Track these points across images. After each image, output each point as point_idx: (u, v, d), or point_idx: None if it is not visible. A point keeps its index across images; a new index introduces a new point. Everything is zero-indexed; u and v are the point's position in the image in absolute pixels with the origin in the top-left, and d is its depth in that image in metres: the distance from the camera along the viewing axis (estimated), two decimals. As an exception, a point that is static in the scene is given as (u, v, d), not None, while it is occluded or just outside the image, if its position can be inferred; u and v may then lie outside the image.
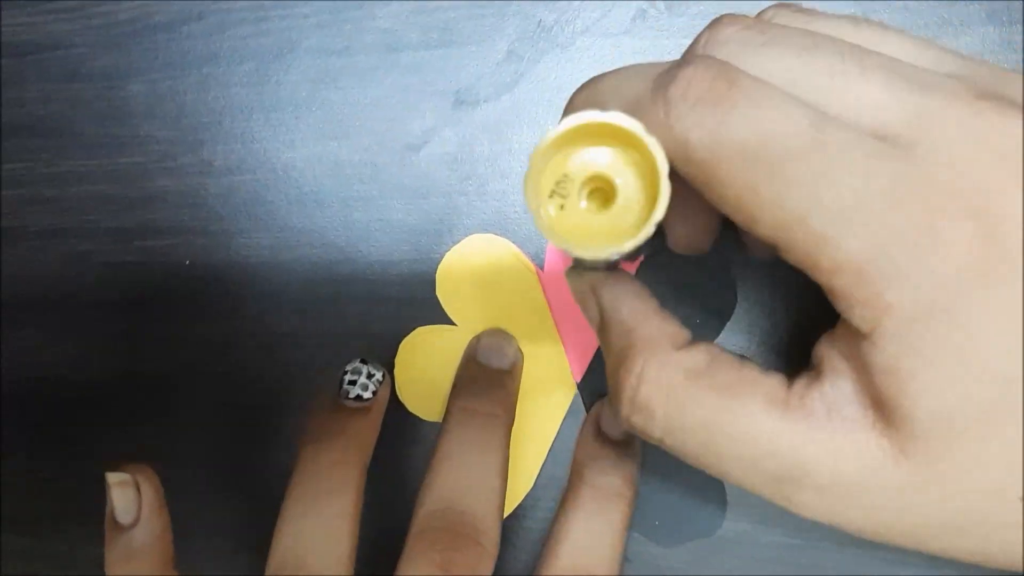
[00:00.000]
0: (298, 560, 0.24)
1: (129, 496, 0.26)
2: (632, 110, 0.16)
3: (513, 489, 0.26)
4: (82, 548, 0.33)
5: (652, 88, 0.16)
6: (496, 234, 0.28)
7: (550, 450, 0.28)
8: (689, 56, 0.17)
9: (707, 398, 0.17)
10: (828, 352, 0.17)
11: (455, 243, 0.29)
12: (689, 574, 0.27)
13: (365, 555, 0.25)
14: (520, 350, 0.28)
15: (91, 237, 0.31)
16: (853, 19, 0.18)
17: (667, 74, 0.16)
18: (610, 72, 0.19)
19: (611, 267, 0.21)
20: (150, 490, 0.26)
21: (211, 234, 0.30)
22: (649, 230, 0.16)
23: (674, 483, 0.27)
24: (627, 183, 0.17)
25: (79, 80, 0.31)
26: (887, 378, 0.16)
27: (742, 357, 0.19)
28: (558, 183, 0.17)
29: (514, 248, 0.28)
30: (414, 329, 0.29)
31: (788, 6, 0.19)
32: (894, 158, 0.15)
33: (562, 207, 0.17)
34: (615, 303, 0.20)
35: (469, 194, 0.29)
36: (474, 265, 0.28)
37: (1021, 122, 0.15)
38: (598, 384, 0.28)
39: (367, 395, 0.26)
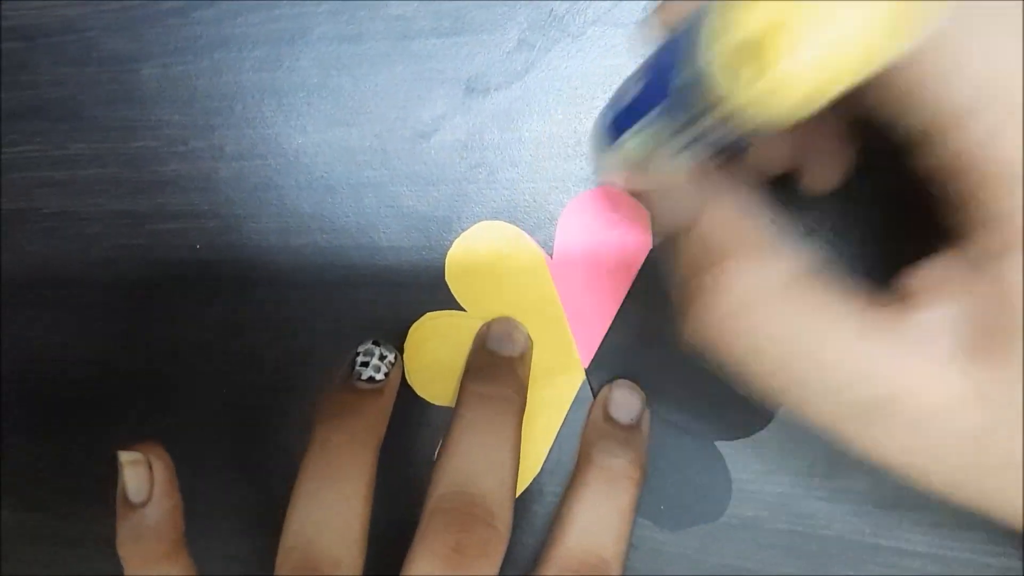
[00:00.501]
0: (310, 540, 0.24)
1: (141, 475, 0.26)
2: None
3: (520, 474, 0.26)
4: (92, 527, 0.33)
5: None
6: (506, 222, 0.29)
7: (557, 436, 0.29)
8: None
9: (799, 310, 0.16)
10: (925, 280, 0.16)
11: (464, 230, 0.29)
12: (694, 560, 0.28)
13: (374, 537, 0.25)
14: (529, 337, 0.28)
15: (101, 220, 0.32)
16: None
17: None
18: None
19: (721, 150, 0.17)
20: (162, 469, 0.26)
21: (221, 218, 0.31)
22: (876, 61, 0.13)
23: (680, 468, 0.28)
24: (833, 19, 0.13)
25: (91, 64, 0.31)
26: (1014, 301, 0.14)
27: (839, 276, 0.17)
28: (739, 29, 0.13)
29: (524, 235, 0.28)
30: (423, 314, 0.29)
31: None
32: None
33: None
34: (722, 194, 0.18)
35: (479, 182, 0.29)
36: (484, 251, 0.29)
37: None
38: (606, 371, 0.28)
39: (379, 376, 0.26)
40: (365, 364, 0.26)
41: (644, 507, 0.28)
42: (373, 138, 0.29)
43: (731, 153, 0.18)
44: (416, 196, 0.29)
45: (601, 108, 0.22)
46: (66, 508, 0.34)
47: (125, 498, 0.26)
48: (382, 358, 0.27)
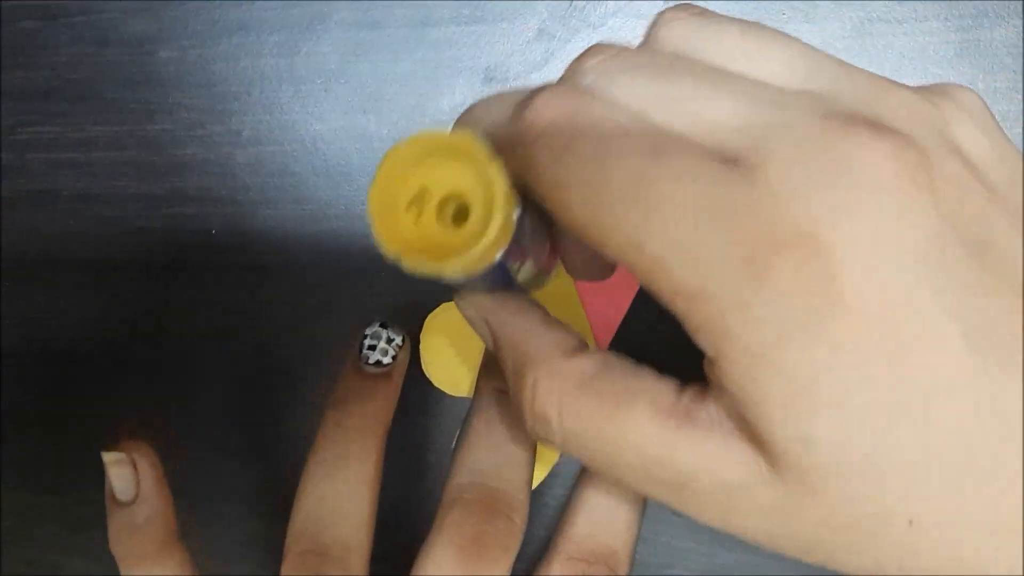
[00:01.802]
0: (319, 523, 0.24)
1: (126, 475, 0.26)
2: (494, 133, 0.17)
3: (536, 466, 0.26)
4: (97, 508, 0.34)
5: (511, 113, 0.17)
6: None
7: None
8: (548, 84, 0.17)
9: (596, 406, 0.18)
10: (708, 369, 0.17)
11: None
12: (705, 554, 0.28)
13: (383, 524, 0.26)
14: None
15: (119, 203, 0.32)
16: (742, 25, 0.18)
17: (524, 100, 0.17)
18: (483, 98, 0.20)
19: (494, 288, 0.21)
20: (147, 467, 0.26)
21: (238, 204, 0.31)
22: (482, 248, 0.16)
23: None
24: (482, 203, 0.16)
25: (110, 45, 0.31)
26: (740, 402, 0.16)
27: (637, 363, 0.19)
28: (415, 197, 0.17)
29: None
30: (439, 304, 0.29)
31: (685, 7, 0.19)
32: (731, 183, 0.15)
33: (417, 220, 0.17)
34: (501, 322, 0.21)
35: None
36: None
37: (867, 140, 0.15)
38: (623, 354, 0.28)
39: (387, 360, 0.26)
40: (372, 348, 0.26)
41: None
42: (391, 126, 0.29)
43: (504, 280, 0.21)
44: (433, 185, 0.29)
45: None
46: (74, 490, 0.34)
47: (113, 497, 0.26)
48: (389, 341, 0.27)
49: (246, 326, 0.31)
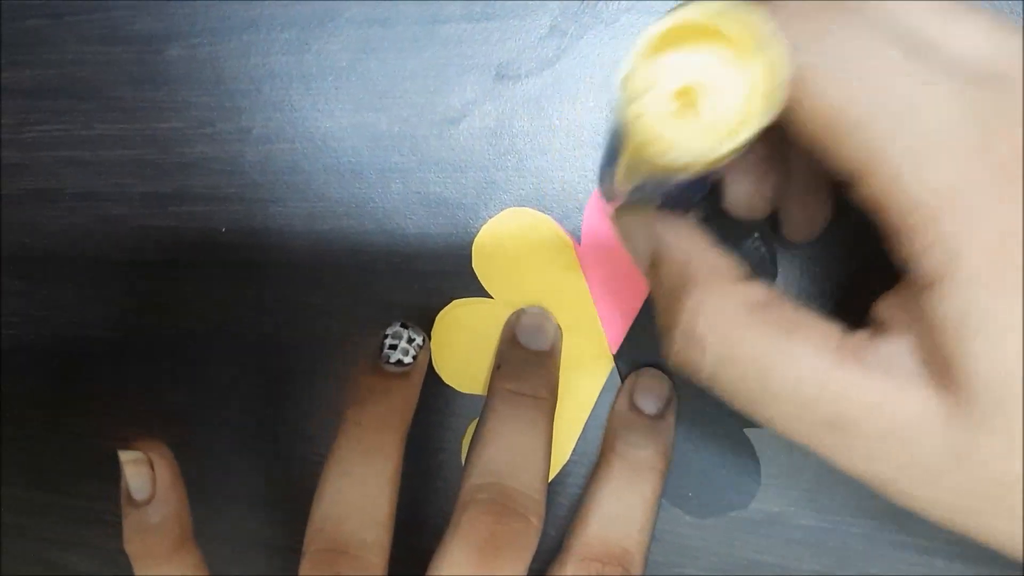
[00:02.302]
0: (338, 520, 0.24)
1: (143, 474, 0.26)
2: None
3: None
4: (101, 504, 0.34)
5: None
6: (534, 209, 0.28)
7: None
8: None
9: (763, 333, 0.17)
10: (886, 310, 0.17)
11: (492, 217, 0.29)
12: (718, 553, 0.28)
13: (396, 524, 0.25)
14: (559, 327, 0.28)
15: (127, 201, 0.32)
16: None
17: None
18: None
19: (665, 203, 0.20)
20: (164, 467, 0.26)
21: (247, 202, 0.31)
22: (754, 125, 0.15)
23: (709, 455, 0.28)
24: (722, 88, 0.15)
25: (117, 43, 0.31)
26: (949, 333, 0.15)
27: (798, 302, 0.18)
28: (647, 87, 0.15)
29: (551, 221, 0.28)
30: (450, 302, 0.29)
31: None
32: (991, 89, 0.15)
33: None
34: (670, 237, 0.20)
35: (507, 169, 0.29)
36: (511, 238, 0.29)
37: None
38: (634, 357, 0.28)
39: (407, 360, 0.26)
40: (393, 347, 0.26)
41: (672, 493, 0.28)
42: (401, 123, 0.29)
43: (684, 202, 0.21)
44: (443, 182, 0.29)
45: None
46: (76, 487, 0.34)
47: (129, 497, 0.26)
48: (410, 341, 0.27)
49: (255, 324, 0.31)
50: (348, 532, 0.24)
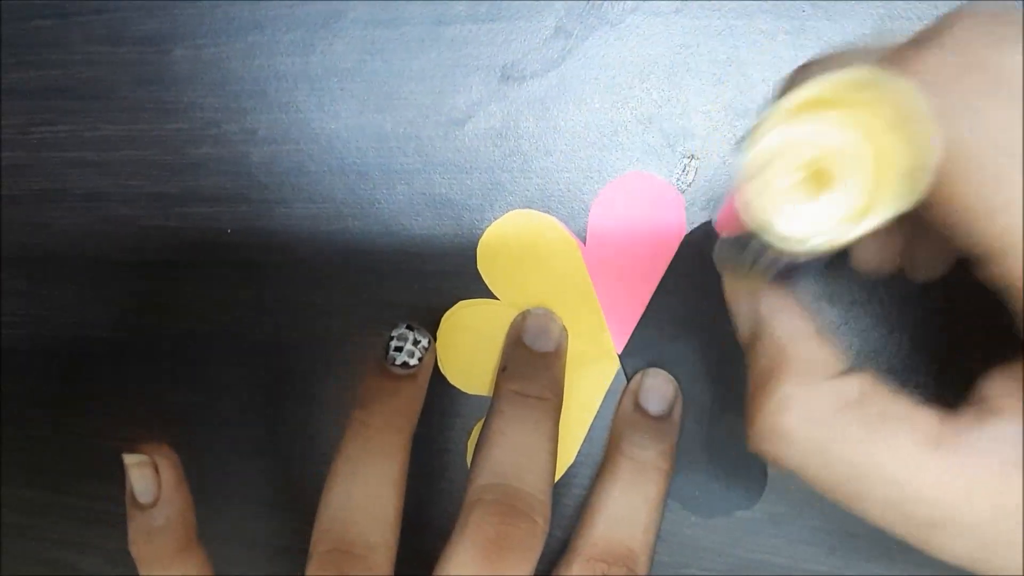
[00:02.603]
0: (345, 521, 0.24)
1: (147, 476, 0.27)
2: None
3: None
4: (101, 504, 0.34)
5: (888, 62, 0.15)
6: (539, 211, 0.28)
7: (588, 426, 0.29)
8: (925, 38, 0.16)
9: (855, 433, 0.17)
10: (1001, 387, 0.16)
11: (497, 219, 0.29)
12: (725, 553, 0.28)
13: (404, 522, 0.25)
14: (564, 329, 0.28)
15: (133, 202, 0.32)
16: None
17: (905, 49, 0.15)
18: (826, 54, 0.18)
19: (778, 275, 0.19)
20: (168, 469, 0.27)
21: (252, 203, 0.31)
22: (890, 210, 0.13)
23: (715, 455, 0.28)
24: (857, 164, 0.14)
25: (123, 43, 0.31)
26: None
27: (895, 389, 0.18)
28: (774, 157, 0.14)
29: (556, 222, 0.28)
30: (456, 303, 0.29)
31: None
32: None
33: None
34: (774, 316, 0.19)
35: (512, 171, 0.29)
36: (515, 239, 0.29)
37: None
38: (639, 358, 0.28)
39: (413, 362, 0.26)
40: (399, 349, 0.26)
41: (679, 493, 0.28)
42: (407, 124, 0.29)
43: (800, 274, 0.20)
44: (449, 184, 0.29)
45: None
46: (77, 488, 0.34)
47: (133, 499, 0.26)
48: (416, 343, 0.27)
49: (260, 325, 0.31)
50: (355, 534, 0.24)
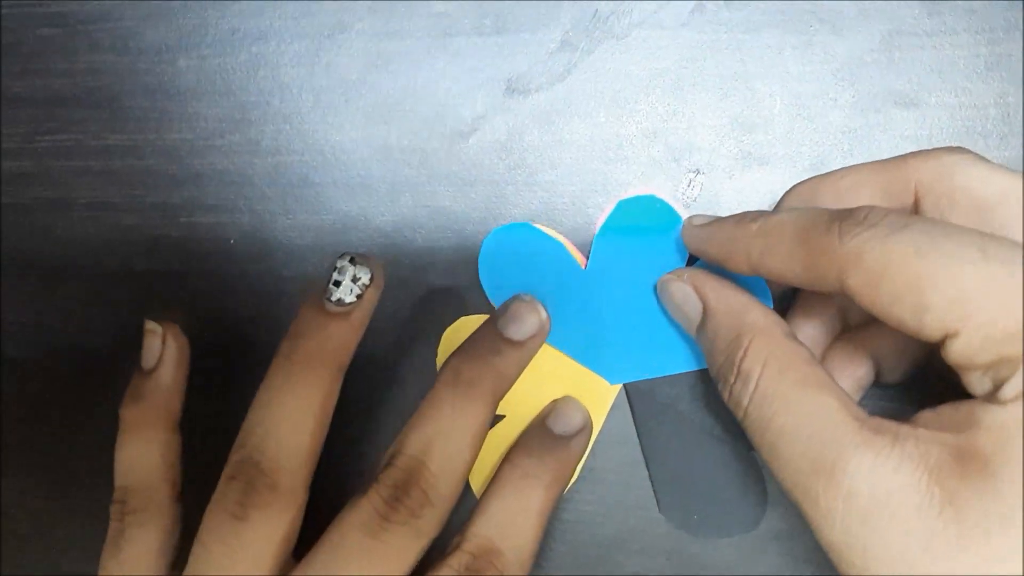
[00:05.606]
0: (258, 444, 0.25)
1: (155, 343, 0.28)
2: (804, 236, 0.20)
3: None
4: (105, 511, 0.33)
5: (828, 219, 0.20)
6: (543, 224, 0.28)
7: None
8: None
9: (797, 377, 0.20)
10: (922, 415, 0.19)
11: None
12: (729, 572, 0.28)
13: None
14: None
15: (137, 211, 0.32)
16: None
17: (845, 211, 0.20)
18: (781, 211, 0.23)
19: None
20: (173, 344, 0.28)
21: (256, 214, 0.31)
22: None
23: (715, 478, 0.27)
24: None
25: (128, 53, 0.31)
26: (995, 438, 0.17)
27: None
28: None
29: (560, 236, 0.28)
30: (458, 318, 0.29)
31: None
32: None
33: None
34: (719, 294, 0.24)
35: (517, 184, 0.29)
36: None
37: None
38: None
39: (349, 299, 0.25)
40: (337, 284, 0.25)
41: (676, 517, 0.28)
42: (411, 136, 0.29)
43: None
44: (453, 196, 0.29)
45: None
46: (80, 492, 0.34)
47: (139, 366, 0.28)
48: (355, 279, 0.25)
49: (263, 337, 0.31)
50: (263, 456, 0.24)
